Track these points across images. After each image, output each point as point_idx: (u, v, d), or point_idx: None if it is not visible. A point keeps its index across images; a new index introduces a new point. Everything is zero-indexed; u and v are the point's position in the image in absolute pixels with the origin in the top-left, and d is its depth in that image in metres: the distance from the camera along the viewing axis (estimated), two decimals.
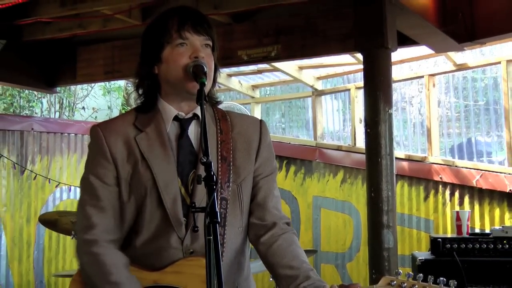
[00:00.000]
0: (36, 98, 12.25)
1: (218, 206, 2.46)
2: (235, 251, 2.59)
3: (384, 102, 5.07)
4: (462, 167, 7.23)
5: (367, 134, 5.16)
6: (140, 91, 2.62)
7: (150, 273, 2.51)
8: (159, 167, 2.49)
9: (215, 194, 2.18)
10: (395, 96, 6.97)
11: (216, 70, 2.62)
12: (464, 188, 7.15)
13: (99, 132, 2.56)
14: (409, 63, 7.66)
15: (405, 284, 2.39)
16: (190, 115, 2.56)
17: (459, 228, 5.43)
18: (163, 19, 2.57)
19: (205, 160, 2.21)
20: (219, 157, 2.55)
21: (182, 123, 2.56)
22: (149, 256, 2.52)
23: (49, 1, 5.99)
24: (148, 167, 2.50)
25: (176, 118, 2.57)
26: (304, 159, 8.02)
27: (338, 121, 9.16)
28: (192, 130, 2.56)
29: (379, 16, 5.08)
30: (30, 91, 10.76)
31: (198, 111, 2.55)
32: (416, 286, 2.38)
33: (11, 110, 12.41)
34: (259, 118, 2.81)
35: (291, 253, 2.58)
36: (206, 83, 2.41)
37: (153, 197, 2.49)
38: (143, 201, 2.51)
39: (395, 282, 2.41)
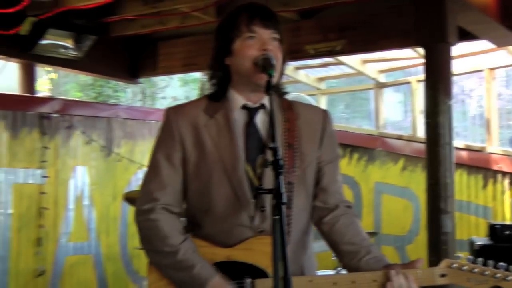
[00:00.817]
0: (121, 88, 12.44)
1: (285, 189, 2.32)
2: (300, 231, 2.55)
3: (444, 94, 4.92)
4: None
5: (427, 124, 5.02)
6: (213, 82, 2.58)
7: (223, 249, 2.48)
8: (226, 151, 2.47)
9: (282, 177, 2.13)
10: (455, 89, 6.78)
11: (284, 62, 2.55)
12: None
13: (171, 115, 2.56)
14: (470, 57, 7.40)
15: (465, 267, 2.33)
16: (257, 104, 2.50)
17: None
18: (234, 15, 2.54)
19: (272, 146, 2.16)
20: (286, 144, 2.51)
21: (250, 112, 2.52)
22: (221, 234, 2.49)
23: (133, 1, 6.06)
24: (217, 151, 2.48)
25: (244, 107, 2.52)
26: (366, 147, 7.87)
27: (399, 112, 9.07)
28: (259, 119, 2.51)
29: (440, 12, 4.92)
30: (116, 81, 10.89)
31: (265, 101, 2.51)
32: (477, 269, 2.32)
33: (100, 98, 12.67)
34: (323, 108, 2.72)
35: (352, 231, 2.55)
36: (274, 74, 2.37)
37: (222, 179, 2.47)
38: (212, 183, 2.48)
39: (455, 265, 2.35)
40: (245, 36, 2.47)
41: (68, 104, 6.80)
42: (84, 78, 13.43)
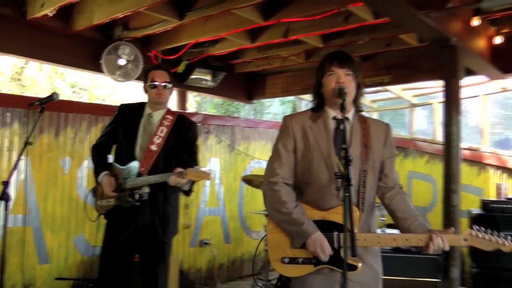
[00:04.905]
0: (241, 106, 12.56)
1: (360, 175, 2.48)
2: (369, 203, 2.54)
3: (456, 112, 4.74)
4: (503, 155, 6.80)
5: (445, 132, 4.82)
6: (314, 101, 2.64)
7: (319, 212, 2.49)
8: (323, 144, 2.50)
9: (351, 168, 2.19)
10: (463, 108, 6.56)
11: (358, 88, 2.57)
12: (504, 169, 6.71)
13: (287, 119, 2.62)
14: (472, 86, 7.14)
15: (480, 235, 2.36)
16: (343, 117, 2.47)
17: (499, 194, 5.14)
18: (322, 60, 2.60)
19: (344, 146, 2.22)
20: (363, 144, 2.52)
21: (338, 121, 2.54)
22: (317, 200, 2.50)
23: (250, 50, 6.14)
24: (317, 143, 2.51)
25: (334, 118, 2.55)
26: (403, 147, 7.61)
27: (425, 123, 8.91)
28: (345, 126, 2.47)
29: (453, 56, 4.75)
30: (237, 102, 10.95)
31: (349, 115, 2.55)
32: (487, 237, 2.35)
33: (227, 113, 12.83)
34: (387, 123, 2.73)
35: (404, 204, 2.55)
36: (346, 99, 2.41)
37: (319, 162, 2.49)
38: (312, 164, 2.50)
39: (473, 233, 2.37)
40: (328, 73, 2.51)
41: (207, 117, 6.87)
42: (217, 100, 13.68)
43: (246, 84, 7.60)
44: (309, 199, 2.52)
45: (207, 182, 6.52)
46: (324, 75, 2.53)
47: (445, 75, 4.83)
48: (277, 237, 2.54)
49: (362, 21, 4.81)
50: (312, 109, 2.62)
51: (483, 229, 2.33)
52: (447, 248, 2.32)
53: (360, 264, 2.40)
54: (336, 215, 2.45)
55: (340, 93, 2.42)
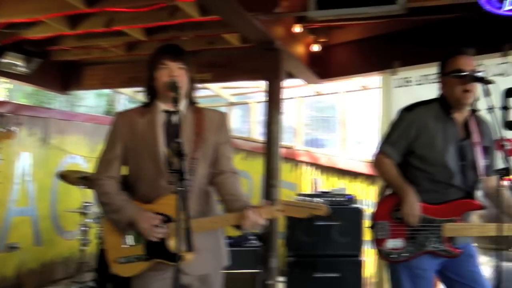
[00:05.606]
0: (53, 97, 11.84)
1: (190, 163, 2.47)
2: (201, 190, 2.55)
3: (277, 111, 5.00)
4: (314, 153, 7.29)
5: (266, 130, 5.04)
6: (146, 94, 2.60)
7: (147, 205, 2.47)
8: (149, 139, 2.48)
9: (184, 162, 2.19)
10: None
11: (191, 82, 2.58)
12: (316, 165, 7.17)
13: (117, 116, 2.60)
14: (290, 89, 7.54)
15: (292, 203, 2.41)
16: (174, 110, 2.47)
17: (314, 188, 5.51)
18: (154, 53, 2.57)
19: (179, 140, 2.23)
20: (194, 133, 2.53)
21: (168, 114, 2.53)
22: (147, 195, 2.48)
23: (69, 37, 5.79)
24: (143, 139, 2.48)
25: (164, 111, 2.54)
26: None
27: (240, 122, 9.24)
28: (175, 119, 2.50)
29: (277, 59, 5.00)
30: (51, 92, 10.16)
31: (181, 108, 2.53)
32: (299, 204, 2.40)
33: (39, 104, 11.96)
34: (223, 111, 2.80)
35: (233, 187, 2.58)
36: (179, 92, 2.42)
37: (147, 158, 2.47)
38: (140, 160, 2.49)
39: (287, 202, 2.44)
40: (159, 67, 2.49)
41: (18, 107, 6.29)
42: (29, 89, 12.58)
43: (62, 74, 7.13)
44: (141, 195, 2.51)
45: (16, 179, 5.98)
46: (157, 68, 2.50)
47: (268, 76, 5.06)
48: (112, 238, 2.50)
49: (188, 17, 4.81)
50: (143, 105, 2.60)
51: (299, 197, 2.40)
52: (262, 221, 2.38)
53: (191, 255, 2.32)
54: (163, 206, 2.44)
55: (173, 86, 2.41)
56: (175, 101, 2.37)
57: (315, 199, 2.43)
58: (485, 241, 4.04)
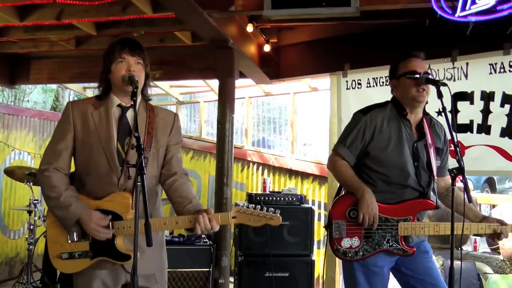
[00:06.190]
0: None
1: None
2: (150, 190, 2.50)
3: (230, 110, 5.01)
4: (264, 153, 7.31)
5: (218, 129, 5.04)
6: (100, 88, 2.54)
7: (94, 201, 2.41)
8: (103, 132, 2.44)
9: (143, 156, 2.18)
10: None
11: (146, 78, 2.56)
12: (265, 165, 7.21)
13: (69, 105, 2.51)
14: (241, 89, 7.55)
15: (248, 212, 2.37)
16: (128, 104, 2.48)
17: (264, 188, 5.53)
18: (112, 45, 2.51)
19: (136, 135, 2.20)
20: (146, 132, 2.51)
21: (123, 109, 2.50)
22: (96, 190, 2.43)
23: (17, 29, 5.56)
24: (97, 131, 2.43)
25: (119, 105, 2.50)
26: None
27: (189, 121, 9.19)
28: (129, 114, 2.49)
29: (230, 58, 5.01)
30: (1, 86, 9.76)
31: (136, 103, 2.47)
32: (255, 213, 2.37)
33: None
34: (175, 112, 2.77)
35: (182, 189, 2.55)
36: (137, 86, 2.38)
37: (99, 151, 2.42)
38: (92, 152, 2.43)
39: (241, 210, 2.38)
40: (117, 60, 2.44)
41: None
42: None
43: (8, 67, 6.87)
44: (88, 190, 2.45)
45: None
46: (114, 61, 2.45)
47: (221, 74, 5.05)
48: (55, 232, 2.44)
49: (140, 13, 4.74)
50: (97, 97, 2.54)
51: (253, 205, 2.40)
52: (215, 227, 2.36)
53: (135, 254, 2.19)
54: (112, 204, 2.39)
55: (131, 81, 2.38)
56: (134, 95, 2.34)
57: (270, 209, 2.42)
58: (434, 240, 4.19)
